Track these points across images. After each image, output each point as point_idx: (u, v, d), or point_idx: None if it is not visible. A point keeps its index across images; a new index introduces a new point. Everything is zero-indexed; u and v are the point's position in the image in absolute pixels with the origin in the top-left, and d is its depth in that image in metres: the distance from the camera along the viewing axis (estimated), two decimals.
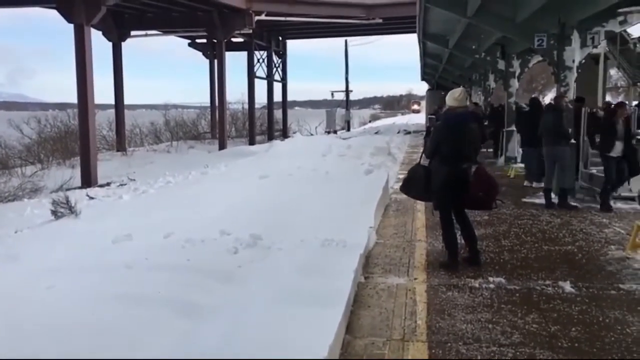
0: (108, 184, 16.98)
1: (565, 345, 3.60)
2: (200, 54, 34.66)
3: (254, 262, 5.04)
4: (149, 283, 4.35)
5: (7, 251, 5.43)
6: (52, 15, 24.92)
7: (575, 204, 8.38)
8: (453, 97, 5.38)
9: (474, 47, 16.61)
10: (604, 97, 19.52)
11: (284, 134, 38.40)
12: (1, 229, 8.24)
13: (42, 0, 20.54)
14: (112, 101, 27.75)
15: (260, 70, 34.59)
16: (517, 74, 15.03)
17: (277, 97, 38.70)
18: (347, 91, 41.92)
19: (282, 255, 5.20)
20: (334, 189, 8.77)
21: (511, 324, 3.95)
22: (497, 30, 12.30)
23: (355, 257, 4.93)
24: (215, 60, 29.24)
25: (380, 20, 29.21)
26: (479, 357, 3.45)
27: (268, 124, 37.40)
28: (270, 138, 34.79)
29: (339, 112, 42.63)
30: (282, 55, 38.07)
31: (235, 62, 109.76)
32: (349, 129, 40.99)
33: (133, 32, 27.46)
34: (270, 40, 34.85)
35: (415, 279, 5.00)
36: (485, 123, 15.38)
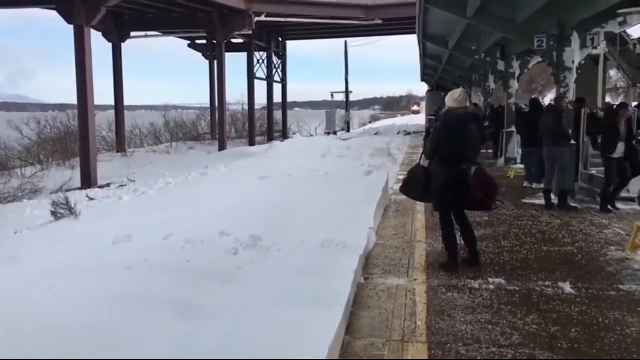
0: (108, 185, 16.99)
1: (564, 346, 3.60)
2: (199, 54, 34.69)
3: (253, 262, 5.04)
4: (148, 284, 4.35)
5: (7, 252, 5.42)
6: (51, 15, 24.92)
7: (574, 204, 8.38)
8: (452, 98, 5.39)
9: (473, 47, 16.61)
10: (603, 98, 19.54)
11: (284, 135, 38.40)
12: (1, 230, 8.24)
13: (42, 0, 20.55)
14: (111, 102, 27.78)
15: (260, 71, 34.65)
16: (516, 74, 15.05)
17: (277, 97, 38.78)
18: (347, 92, 41.94)
19: (282, 256, 5.20)
20: (334, 190, 8.77)
21: (511, 324, 3.95)
22: (496, 31, 12.30)
23: (355, 258, 4.93)
24: (215, 61, 29.25)
25: (380, 21, 29.23)
26: (478, 358, 3.45)
27: (268, 125, 37.41)
28: (270, 139, 34.81)
29: (339, 112, 42.65)
30: (282, 56, 38.09)
31: (234, 62, 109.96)
32: (348, 130, 41.03)
33: (133, 33, 27.46)
34: (270, 41, 34.86)
35: (415, 279, 5.00)
36: (486, 124, 15.40)
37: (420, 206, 8.18)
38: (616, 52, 17.76)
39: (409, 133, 31.83)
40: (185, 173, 14.57)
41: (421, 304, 4.37)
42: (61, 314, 3.77)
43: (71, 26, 17.76)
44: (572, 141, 8.75)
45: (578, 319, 4.05)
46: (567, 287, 4.70)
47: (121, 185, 16.05)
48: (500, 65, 15.40)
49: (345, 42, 40.22)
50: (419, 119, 49.22)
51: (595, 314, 4.12)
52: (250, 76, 32.49)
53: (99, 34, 25.80)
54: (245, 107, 34.89)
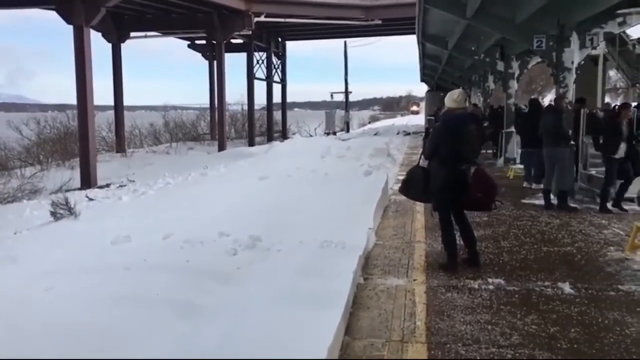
0: (107, 185, 16.98)
1: (564, 346, 3.60)
2: (199, 55, 34.72)
3: (253, 263, 5.04)
4: (148, 284, 4.36)
5: (7, 253, 5.42)
6: (51, 16, 24.93)
7: (574, 205, 8.38)
8: (452, 99, 5.39)
9: (473, 48, 16.61)
10: (603, 99, 19.54)
11: (284, 135, 38.42)
12: (0, 231, 8.24)
13: (41, 1, 20.55)
14: (111, 102, 27.78)
15: (260, 72, 34.66)
16: (516, 75, 15.05)
17: (277, 98, 38.79)
18: (347, 92, 41.95)
19: (281, 256, 5.20)
20: (334, 190, 8.78)
21: (510, 325, 3.95)
22: (496, 32, 12.30)
23: (355, 259, 4.93)
24: (215, 62, 29.26)
25: (380, 22, 29.23)
26: (478, 358, 3.46)
27: (267, 125, 37.43)
28: (270, 139, 34.83)
29: (339, 113, 42.64)
30: (282, 57, 38.10)
31: (234, 63, 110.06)
32: (348, 130, 41.04)
33: (132, 33, 27.46)
34: (270, 41, 34.88)
35: (415, 280, 5.00)
36: (485, 124, 15.42)
37: (419, 207, 8.18)
38: (616, 52, 17.78)
39: (408, 134, 31.85)
40: (185, 173, 14.57)
41: (421, 305, 4.37)
42: (61, 314, 3.78)
43: (71, 27, 17.77)
44: (572, 142, 8.76)
45: (578, 319, 4.05)
46: (566, 287, 4.71)
47: (121, 186, 16.05)
48: (500, 66, 15.40)
49: (345, 42, 40.27)
50: (419, 120, 49.25)
51: (595, 315, 4.13)
52: (250, 77, 32.50)
53: (99, 34, 25.82)
54: (245, 107, 34.94)
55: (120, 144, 27.16)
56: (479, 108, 18.10)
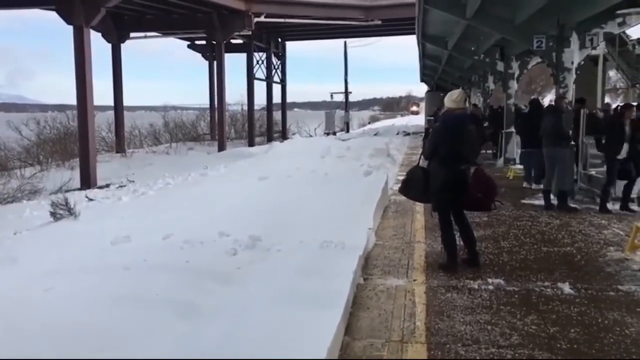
0: (107, 186, 16.98)
1: (564, 347, 3.60)
2: (199, 55, 34.74)
3: (253, 263, 5.04)
4: (148, 284, 4.35)
5: (7, 253, 5.43)
6: (51, 16, 24.94)
7: (574, 205, 8.38)
8: (451, 99, 5.39)
9: (473, 48, 16.62)
10: (603, 99, 19.55)
11: (283, 136, 38.43)
12: (0, 231, 8.24)
13: (41, 1, 20.56)
14: (111, 103, 27.80)
15: (260, 72, 34.68)
16: (516, 75, 15.05)
17: (277, 98, 38.83)
18: (347, 92, 41.94)
19: (281, 256, 5.20)
20: (333, 190, 8.78)
21: (510, 325, 3.95)
22: (496, 32, 12.30)
23: (354, 259, 4.93)
24: (215, 62, 29.28)
25: (379, 22, 29.24)
26: (478, 359, 3.46)
27: (267, 126, 37.44)
28: (270, 139, 34.84)
29: (338, 113, 42.64)
30: (282, 57, 38.11)
31: (234, 63, 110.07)
32: (348, 131, 41.03)
33: (132, 34, 27.48)
34: (270, 41, 34.89)
35: (414, 280, 5.00)
36: (485, 124, 15.43)
37: (419, 207, 8.18)
38: (615, 52, 17.78)
39: (408, 134, 31.85)
40: (185, 174, 14.58)
41: (420, 305, 4.37)
42: (61, 315, 3.78)
43: (71, 27, 17.78)
44: (572, 142, 8.75)
45: (577, 319, 4.05)
46: (566, 287, 4.71)
47: (121, 186, 16.05)
48: (500, 66, 15.41)
49: (345, 42, 40.26)
50: (419, 120, 49.26)
51: (595, 315, 4.13)
52: (250, 77, 32.51)
53: (99, 34, 25.82)
54: (245, 107, 34.95)
55: (120, 144, 27.16)
56: (478, 108, 18.10)
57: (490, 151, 16.61)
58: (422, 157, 5.81)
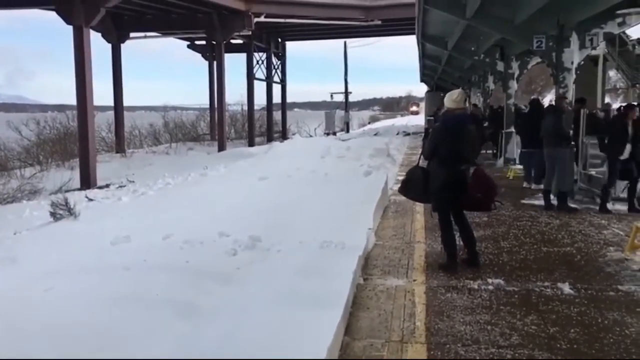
0: (107, 186, 16.99)
1: (564, 347, 3.60)
2: (199, 55, 34.73)
3: (253, 263, 5.04)
4: (148, 284, 4.36)
5: (6, 253, 5.43)
6: (51, 16, 24.95)
7: (574, 205, 8.38)
8: (451, 99, 5.39)
9: (473, 48, 16.62)
10: (603, 99, 19.56)
11: (283, 136, 38.43)
12: (0, 231, 8.24)
13: (41, 1, 20.56)
14: (111, 103, 27.79)
15: (260, 72, 34.68)
16: (516, 75, 15.06)
17: (277, 98, 38.82)
18: (347, 93, 41.93)
19: (281, 256, 5.20)
20: (333, 190, 8.78)
21: (510, 325, 3.95)
22: (496, 32, 12.31)
23: (354, 259, 4.93)
24: (215, 62, 29.27)
25: (379, 22, 29.24)
26: (477, 359, 3.46)
27: (267, 126, 37.43)
28: (270, 139, 34.84)
29: (338, 113, 42.65)
30: (281, 57, 38.11)
31: (234, 63, 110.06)
32: (348, 131, 41.03)
33: (132, 34, 27.47)
34: (270, 41, 34.89)
35: (414, 280, 5.00)
36: (486, 124, 15.43)
37: (419, 207, 8.18)
38: (615, 52, 17.80)
39: (408, 134, 31.86)
40: (185, 174, 14.58)
41: (420, 305, 4.37)
42: (61, 315, 3.78)
43: (71, 27, 17.78)
44: (572, 142, 8.75)
45: (577, 319, 4.05)
46: (566, 287, 4.71)
47: (121, 186, 16.06)
48: (500, 66, 15.41)
49: (345, 43, 40.24)
50: (419, 120, 49.26)
51: (595, 315, 4.13)
52: (250, 77, 32.50)
53: (99, 34, 25.82)
54: (245, 107, 34.94)
55: (120, 145, 27.16)
56: (478, 108, 18.11)
57: (490, 151, 16.61)
58: (422, 157, 5.81)
